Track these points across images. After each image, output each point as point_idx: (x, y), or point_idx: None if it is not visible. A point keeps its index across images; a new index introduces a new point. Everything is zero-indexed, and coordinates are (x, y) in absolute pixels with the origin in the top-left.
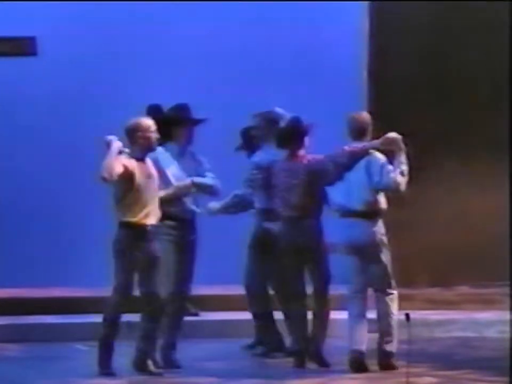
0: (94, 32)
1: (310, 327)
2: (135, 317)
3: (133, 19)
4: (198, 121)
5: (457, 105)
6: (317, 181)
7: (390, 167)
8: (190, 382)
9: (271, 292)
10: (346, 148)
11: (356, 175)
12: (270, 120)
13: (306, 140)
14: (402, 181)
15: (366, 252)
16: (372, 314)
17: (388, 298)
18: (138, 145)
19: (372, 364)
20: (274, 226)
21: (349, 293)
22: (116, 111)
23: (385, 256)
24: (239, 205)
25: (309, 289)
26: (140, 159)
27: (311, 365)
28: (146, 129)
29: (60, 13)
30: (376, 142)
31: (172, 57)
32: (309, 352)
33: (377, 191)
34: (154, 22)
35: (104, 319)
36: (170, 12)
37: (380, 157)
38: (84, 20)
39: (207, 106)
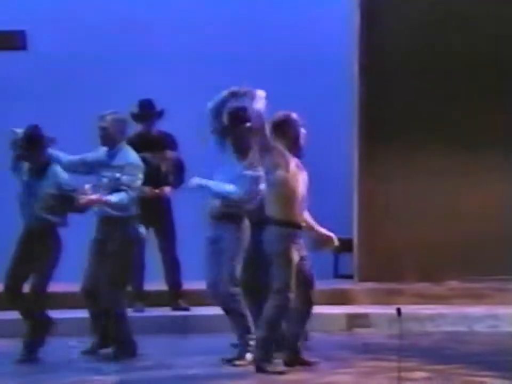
0: (83, 27)
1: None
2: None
3: (123, 14)
4: None
5: (449, 99)
6: None
7: None
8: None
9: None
10: None
11: None
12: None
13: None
14: None
15: None
16: None
17: None
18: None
19: (362, 359)
20: None
21: None
22: (106, 105)
23: None
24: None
25: None
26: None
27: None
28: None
29: (48, 7)
30: None
31: (162, 52)
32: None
33: None
34: (143, 18)
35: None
36: (160, 9)
37: None
38: (74, 15)
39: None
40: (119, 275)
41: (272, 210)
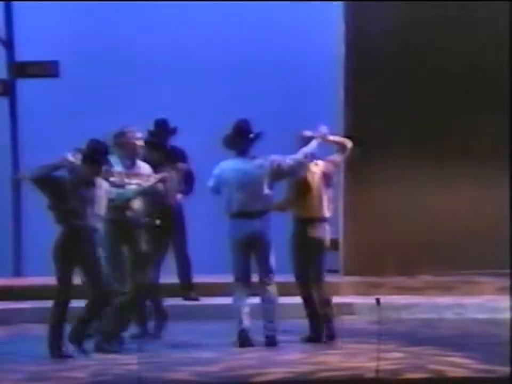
0: (108, 55)
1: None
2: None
3: (140, 43)
4: None
5: (424, 115)
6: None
7: None
8: (191, 357)
9: None
10: None
11: None
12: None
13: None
14: None
15: None
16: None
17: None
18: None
19: (347, 342)
20: None
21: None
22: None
23: None
24: None
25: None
26: None
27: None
28: None
29: (79, 40)
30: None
31: (174, 70)
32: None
33: None
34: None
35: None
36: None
37: None
38: (100, 44)
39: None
40: None
41: None
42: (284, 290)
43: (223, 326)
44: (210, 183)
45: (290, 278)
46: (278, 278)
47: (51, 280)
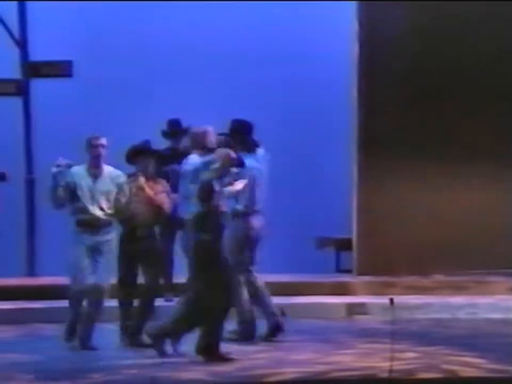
0: (122, 54)
1: None
2: None
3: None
4: None
5: (435, 118)
6: None
7: None
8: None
9: None
10: None
11: None
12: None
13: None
14: None
15: None
16: None
17: None
18: None
19: (360, 342)
20: None
21: None
22: (138, 127)
23: None
24: None
25: None
26: None
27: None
28: None
29: (92, 40)
30: None
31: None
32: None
33: None
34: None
35: None
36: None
37: None
38: (113, 44)
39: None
40: None
41: None
42: (291, 290)
43: (233, 326)
44: None
45: (295, 278)
46: (282, 278)
47: (64, 280)
